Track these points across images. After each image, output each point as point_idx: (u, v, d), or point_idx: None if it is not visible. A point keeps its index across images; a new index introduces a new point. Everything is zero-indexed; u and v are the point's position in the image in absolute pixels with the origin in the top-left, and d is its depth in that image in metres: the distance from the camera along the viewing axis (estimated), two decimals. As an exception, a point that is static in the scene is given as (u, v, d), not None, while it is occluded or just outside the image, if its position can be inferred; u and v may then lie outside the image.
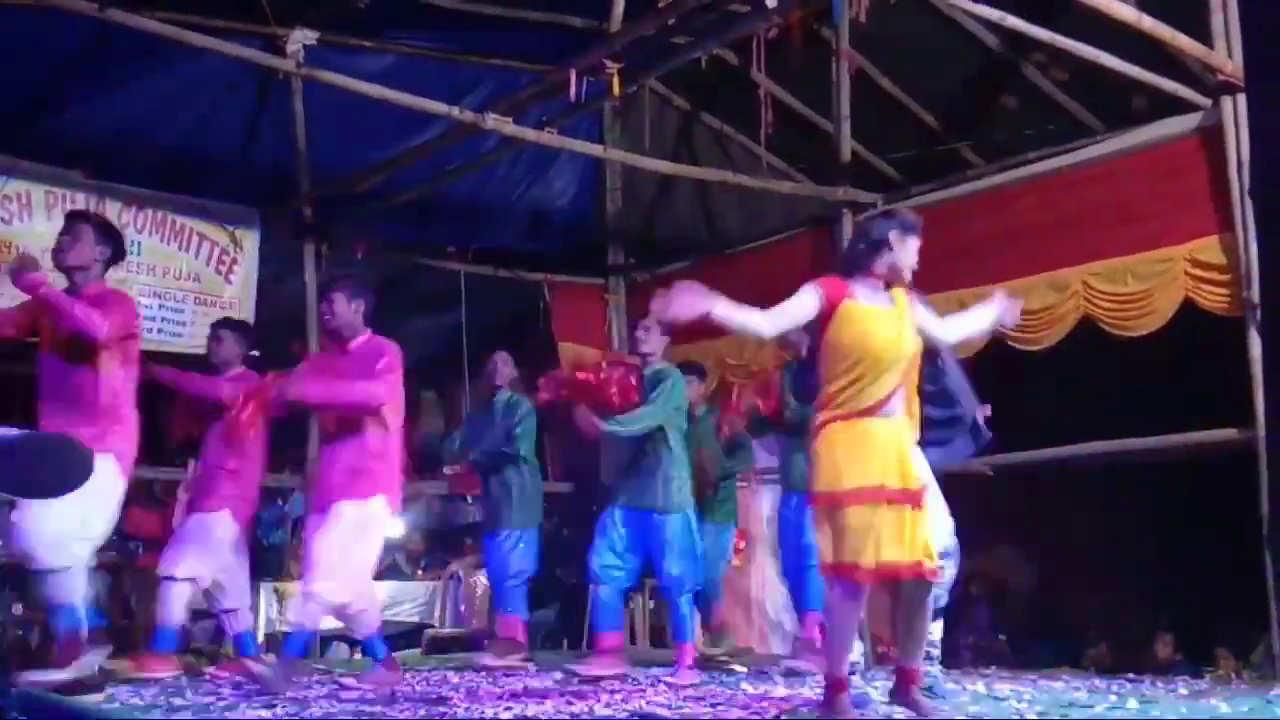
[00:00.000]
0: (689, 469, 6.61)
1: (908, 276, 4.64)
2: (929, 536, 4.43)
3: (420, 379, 9.21)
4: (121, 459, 5.25)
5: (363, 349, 5.83)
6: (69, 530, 5.07)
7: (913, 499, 4.39)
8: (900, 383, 4.51)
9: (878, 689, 5.32)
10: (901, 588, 4.44)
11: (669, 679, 6.19)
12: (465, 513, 11.03)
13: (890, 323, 4.53)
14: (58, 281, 5.37)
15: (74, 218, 5.65)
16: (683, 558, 6.49)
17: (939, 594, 4.77)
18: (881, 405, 4.45)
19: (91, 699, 4.88)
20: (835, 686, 4.45)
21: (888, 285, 4.62)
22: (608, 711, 4.98)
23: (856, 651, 4.85)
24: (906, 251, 4.62)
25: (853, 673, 5.00)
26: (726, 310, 4.40)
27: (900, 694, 4.60)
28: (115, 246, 5.51)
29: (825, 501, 4.41)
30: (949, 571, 4.80)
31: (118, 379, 5.30)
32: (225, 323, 7.01)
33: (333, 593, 5.64)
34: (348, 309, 5.84)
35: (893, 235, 4.60)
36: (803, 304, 4.50)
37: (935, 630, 5.08)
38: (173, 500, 8.06)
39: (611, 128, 10.45)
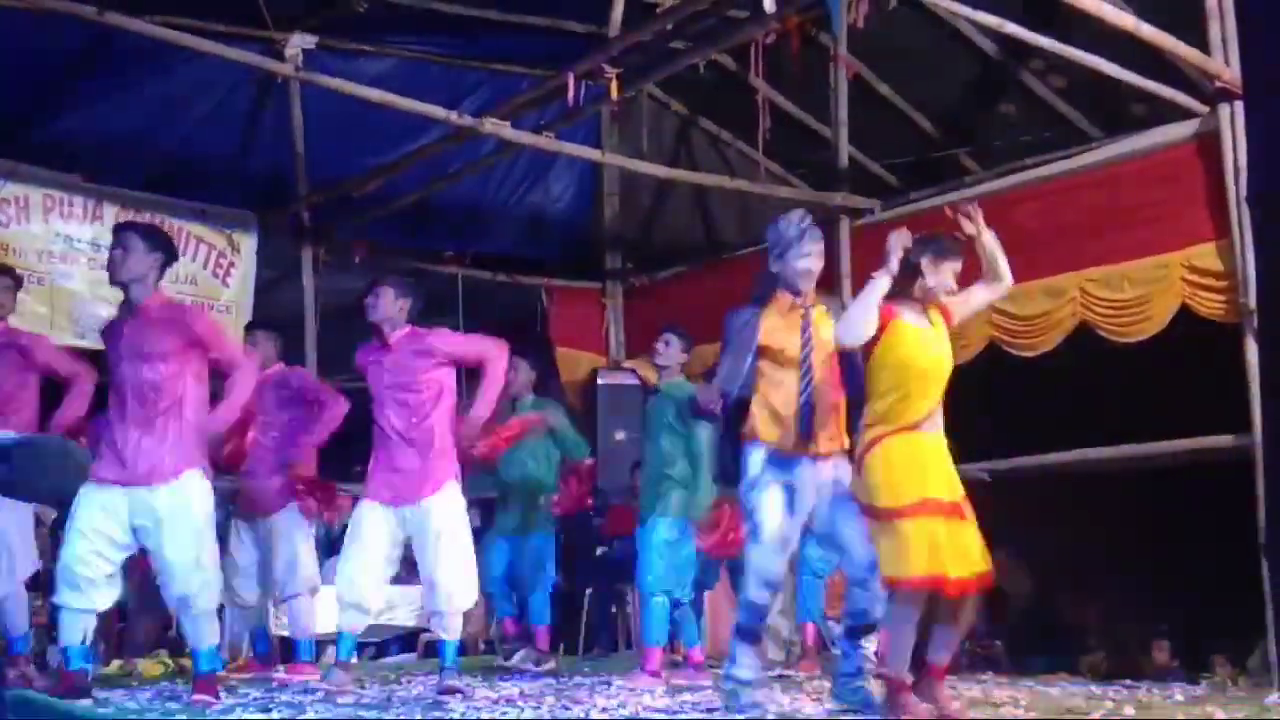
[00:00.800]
0: (685, 475, 6.60)
1: (943, 298, 4.75)
2: (980, 542, 4.62)
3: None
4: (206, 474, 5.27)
5: (404, 342, 5.87)
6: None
7: (960, 511, 4.57)
8: (940, 399, 4.68)
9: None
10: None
11: (623, 681, 6.28)
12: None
13: (934, 342, 4.69)
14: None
15: (122, 230, 5.45)
16: (660, 561, 6.52)
17: (874, 608, 4.84)
18: (925, 420, 4.61)
19: (84, 703, 4.86)
20: (898, 687, 4.58)
21: (924, 305, 4.74)
22: (603, 716, 4.98)
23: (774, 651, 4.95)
24: (940, 276, 4.71)
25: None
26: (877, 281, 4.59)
27: (924, 689, 4.70)
28: (167, 250, 5.28)
29: (886, 515, 4.52)
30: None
31: (201, 393, 5.26)
32: (259, 324, 7.05)
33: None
34: (393, 305, 5.87)
35: (924, 261, 4.69)
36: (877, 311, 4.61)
37: (869, 644, 5.03)
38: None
39: (609, 132, 10.45)
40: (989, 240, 4.85)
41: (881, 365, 4.62)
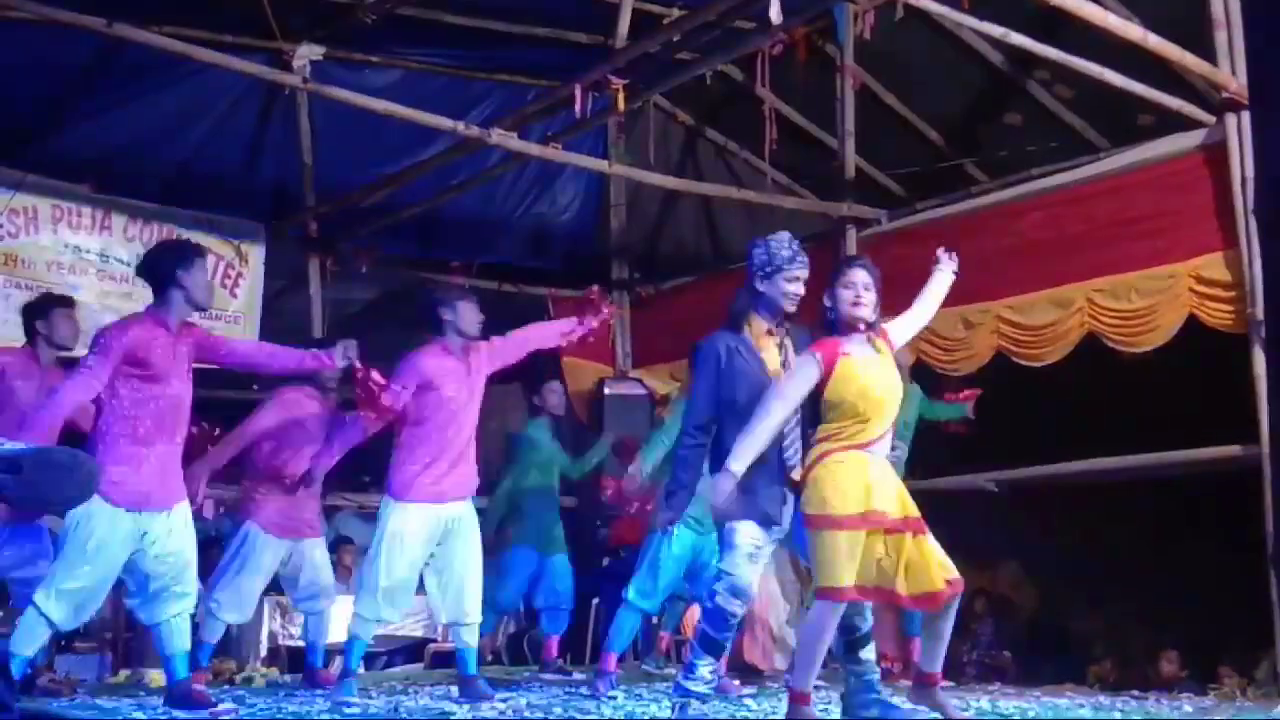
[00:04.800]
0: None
1: (866, 315, 4.73)
2: (941, 554, 4.59)
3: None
4: None
5: (474, 351, 6.07)
6: None
7: (914, 526, 4.58)
8: (891, 423, 4.73)
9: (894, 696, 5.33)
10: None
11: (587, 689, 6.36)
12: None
13: (884, 370, 4.72)
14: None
15: (204, 252, 5.68)
16: (640, 570, 6.56)
17: (858, 621, 4.84)
18: (876, 441, 4.65)
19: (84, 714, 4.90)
20: (799, 698, 4.65)
21: (867, 335, 4.74)
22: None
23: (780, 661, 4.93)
24: (842, 298, 4.73)
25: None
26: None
27: (922, 696, 4.81)
28: None
29: (821, 524, 4.53)
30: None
31: None
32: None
33: None
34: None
35: (828, 297, 4.76)
36: (807, 377, 4.63)
37: (704, 670, 4.89)
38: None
39: (616, 143, 10.47)
40: (947, 283, 5.10)
41: (839, 400, 4.62)
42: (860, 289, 4.71)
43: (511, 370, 6.34)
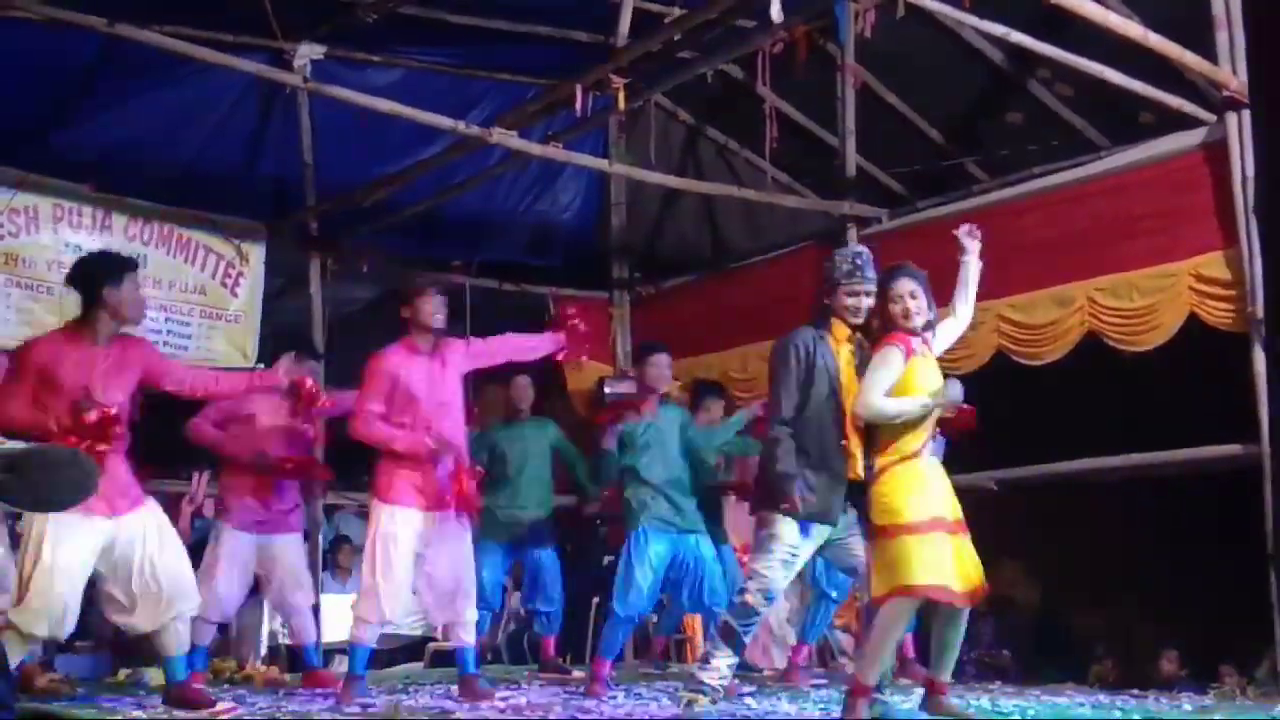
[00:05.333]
0: (645, 487, 6.62)
1: (921, 324, 4.92)
2: (976, 557, 4.81)
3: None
4: None
5: (448, 350, 6.15)
6: None
7: (963, 528, 4.81)
8: (934, 427, 4.91)
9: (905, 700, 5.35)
10: (943, 609, 4.82)
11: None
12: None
13: (933, 372, 4.90)
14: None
15: (135, 266, 5.62)
16: (619, 580, 6.56)
17: (742, 624, 4.92)
18: (923, 449, 4.83)
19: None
20: (860, 690, 4.77)
21: (922, 334, 4.94)
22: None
23: (780, 659, 5.02)
24: (892, 316, 4.90)
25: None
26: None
27: (931, 704, 4.94)
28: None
29: (897, 531, 4.68)
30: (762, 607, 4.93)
31: None
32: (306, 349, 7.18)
33: None
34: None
35: (878, 315, 4.96)
36: (895, 368, 4.80)
37: (720, 663, 4.97)
38: (176, 513, 8.07)
39: (617, 142, 10.46)
40: (977, 266, 5.18)
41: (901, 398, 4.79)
42: (907, 299, 4.83)
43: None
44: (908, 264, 5.04)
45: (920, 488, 4.75)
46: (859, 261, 4.98)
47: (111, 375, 5.20)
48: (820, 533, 4.89)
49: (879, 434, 4.83)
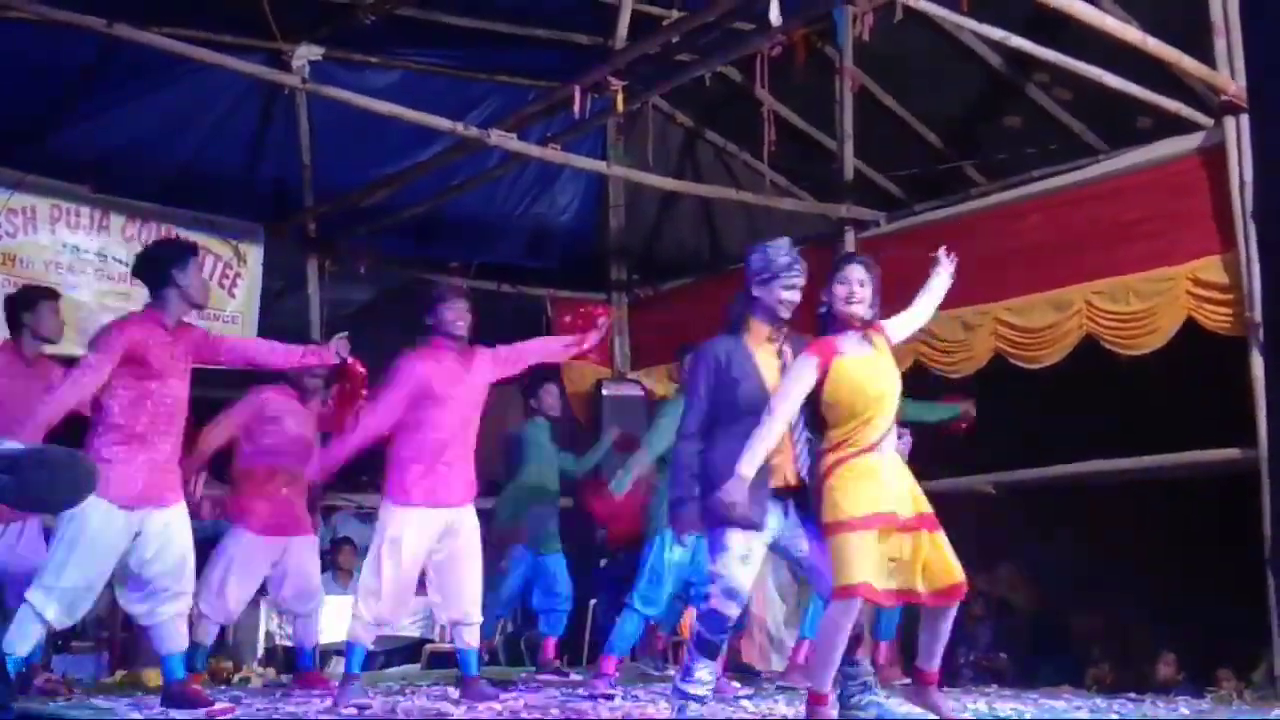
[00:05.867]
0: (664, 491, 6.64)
1: (861, 313, 4.75)
2: (950, 554, 4.66)
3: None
4: None
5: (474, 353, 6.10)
6: None
7: (927, 523, 4.66)
8: (893, 419, 4.76)
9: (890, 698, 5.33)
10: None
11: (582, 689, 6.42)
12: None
13: (877, 369, 4.74)
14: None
15: (198, 251, 5.77)
16: (642, 576, 6.59)
17: (714, 630, 4.85)
18: (882, 440, 4.69)
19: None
20: (818, 700, 4.67)
21: (862, 332, 4.76)
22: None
23: (778, 662, 4.96)
24: (838, 294, 4.76)
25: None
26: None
27: (919, 695, 4.88)
28: None
29: (834, 529, 4.58)
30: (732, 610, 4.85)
31: None
32: None
33: None
34: None
35: (824, 294, 4.79)
36: (805, 379, 4.66)
37: (702, 673, 4.89)
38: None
39: (615, 144, 10.47)
40: (946, 280, 5.15)
41: (835, 401, 4.66)
42: (854, 284, 4.72)
43: None
44: (864, 255, 5.07)
45: (869, 482, 4.61)
46: (795, 254, 4.87)
47: (180, 360, 5.32)
48: (767, 532, 4.81)
49: (831, 429, 4.69)
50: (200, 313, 8.60)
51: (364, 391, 5.97)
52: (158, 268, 5.35)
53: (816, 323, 4.85)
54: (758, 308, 4.86)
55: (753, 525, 4.70)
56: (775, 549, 4.93)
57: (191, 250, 5.59)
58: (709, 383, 4.82)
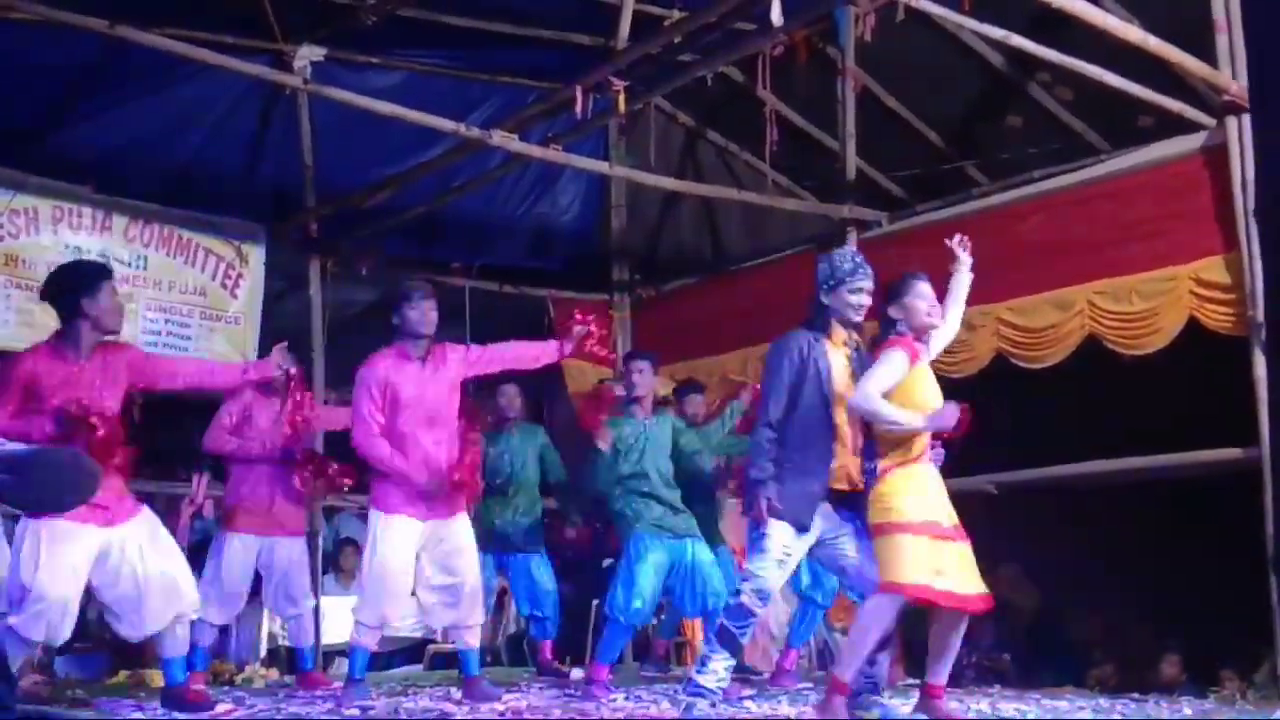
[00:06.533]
0: (640, 494, 6.64)
1: (935, 324, 5.05)
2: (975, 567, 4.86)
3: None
4: None
5: (444, 356, 6.07)
6: None
7: (960, 535, 4.86)
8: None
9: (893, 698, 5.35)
10: (942, 613, 4.86)
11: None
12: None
13: (931, 380, 4.99)
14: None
15: (110, 274, 5.54)
16: (616, 586, 6.58)
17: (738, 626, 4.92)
18: (925, 452, 4.90)
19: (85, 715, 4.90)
20: (838, 688, 4.81)
21: (924, 342, 5.02)
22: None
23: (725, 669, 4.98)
24: (918, 307, 4.99)
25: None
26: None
27: (927, 709, 4.97)
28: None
29: (892, 530, 4.76)
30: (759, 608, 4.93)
31: None
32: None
33: None
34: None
35: (905, 302, 4.99)
36: (899, 372, 4.84)
37: (718, 665, 4.94)
38: (174, 515, 8.06)
39: (617, 145, 10.46)
40: (968, 278, 5.28)
41: (903, 404, 4.83)
42: (932, 300, 4.91)
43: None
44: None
45: (920, 490, 4.83)
46: (859, 260, 5.02)
47: (100, 387, 5.16)
48: (810, 534, 4.88)
49: (884, 438, 4.87)
50: (203, 314, 8.72)
51: (302, 400, 6.02)
52: (66, 297, 5.16)
53: (881, 337, 5.01)
54: (831, 313, 4.98)
55: (801, 526, 4.79)
56: (814, 553, 4.99)
57: (104, 275, 5.29)
58: (790, 373, 4.91)
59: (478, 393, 7.45)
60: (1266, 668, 7.08)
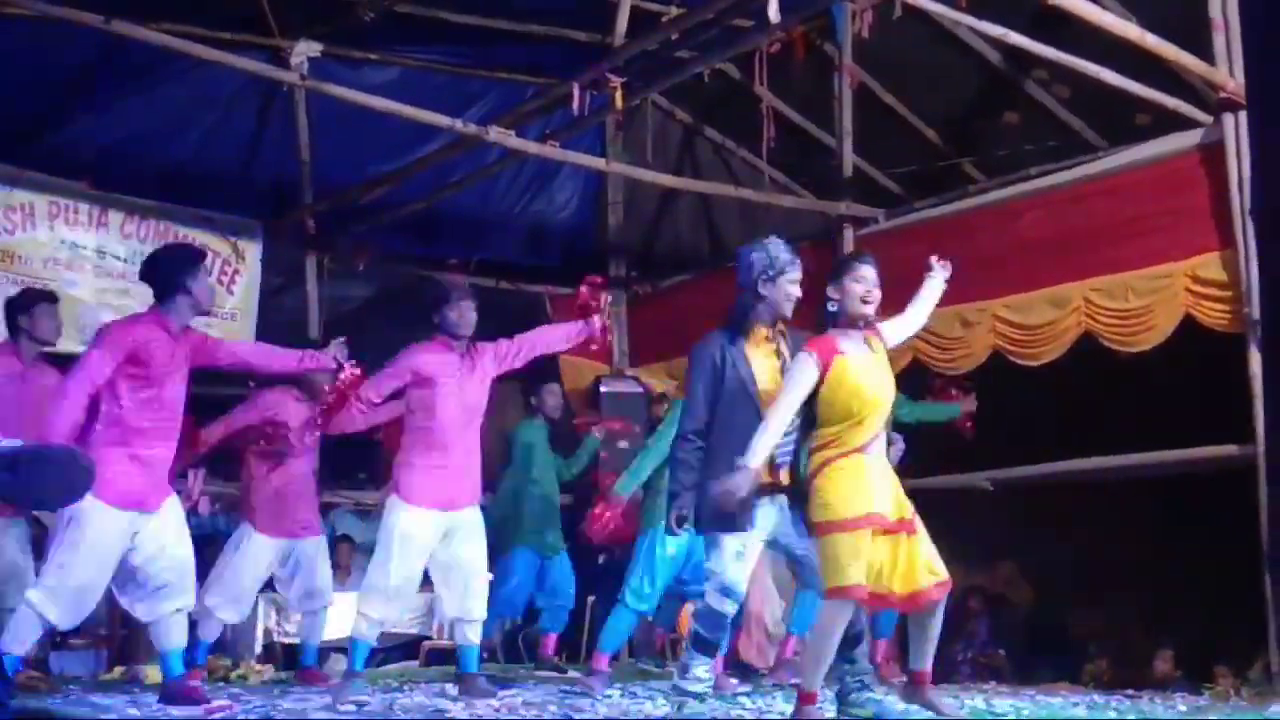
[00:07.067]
0: (654, 486, 6.66)
1: (869, 311, 4.77)
2: (931, 555, 4.66)
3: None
4: None
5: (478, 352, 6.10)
6: None
7: (907, 527, 4.66)
8: (883, 422, 4.75)
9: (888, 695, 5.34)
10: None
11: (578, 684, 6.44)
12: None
13: (875, 371, 4.74)
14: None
15: (206, 256, 5.77)
16: (634, 572, 6.60)
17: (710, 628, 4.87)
18: (871, 442, 4.68)
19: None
20: (807, 699, 4.67)
21: (862, 334, 4.77)
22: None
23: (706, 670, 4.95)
24: (849, 293, 4.74)
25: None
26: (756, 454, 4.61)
27: (915, 696, 4.86)
28: None
29: (827, 529, 4.59)
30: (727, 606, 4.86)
31: None
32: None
33: None
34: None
35: (835, 288, 4.76)
36: (807, 377, 4.65)
37: (700, 670, 4.91)
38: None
39: (614, 141, 10.46)
40: (940, 287, 5.17)
41: (832, 400, 4.66)
42: (871, 285, 4.75)
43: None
44: (870, 255, 5.02)
45: (859, 483, 4.61)
46: (793, 250, 4.93)
47: (181, 364, 5.31)
48: (760, 530, 4.82)
49: (822, 428, 4.70)
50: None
51: (357, 397, 6.00)
52: (169, 274, 5.33)
53: (818, 319, 4.85)
54: (762, 305, 4.88)
55: (737, 528, 4.72)
56: (774, 546, 4.94)
57: (202, 257, 5.60)
58: (706, 381, 4.84)
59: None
60: (1260, 664, 7.09)
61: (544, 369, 8.59)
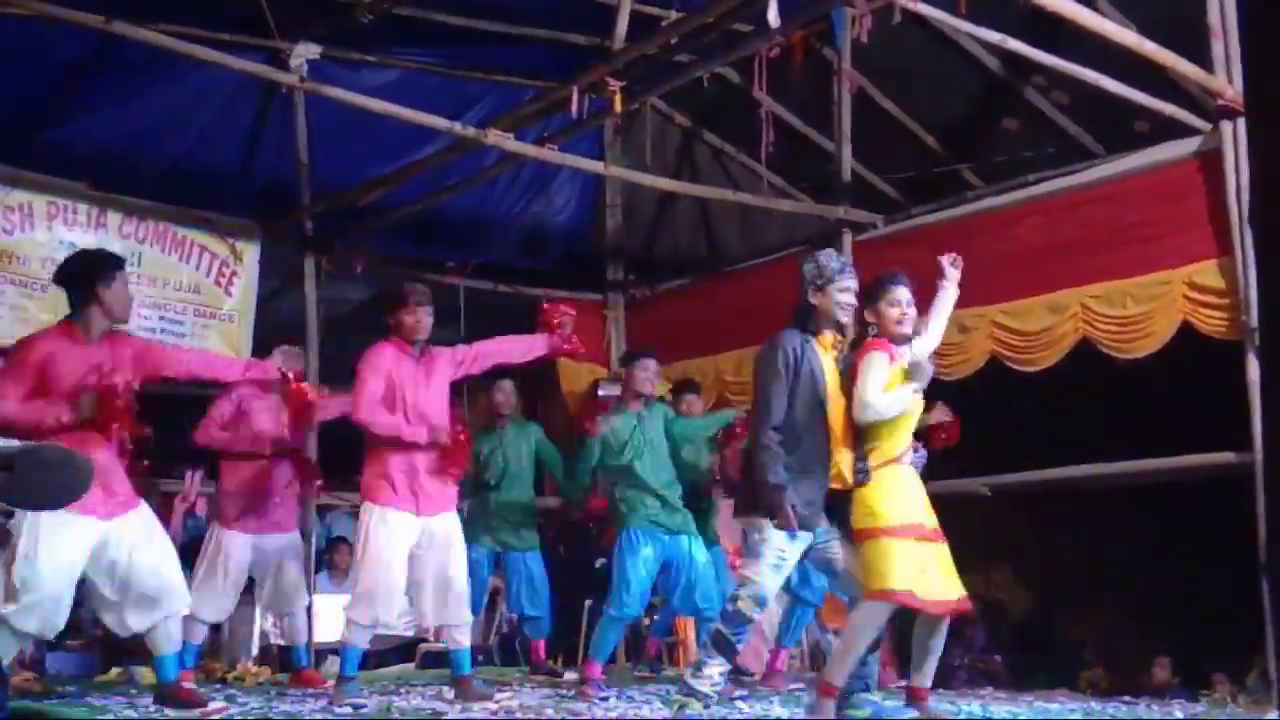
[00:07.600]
0: (635, 488, 6.65)
1: (907, 331, 5.01)
2: (953, 569, 4.89)
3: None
4: None
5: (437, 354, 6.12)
6: None
7: (940, 536, 4.88)
8: (911, 435, 5.00)
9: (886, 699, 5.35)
10: (926, 616, 4.90)
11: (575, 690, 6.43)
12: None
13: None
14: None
15: (123, 264, 5.63)
16: (613, 582, 6.60)
17: (735, 631, 4.93)
18: (904, 454, 4.90)
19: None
20: (827, 691, 4.81)
21: (901, 346, 5.00)
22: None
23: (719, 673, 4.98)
24: (890, 311, 4.98)
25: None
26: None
27: (915, 710, 5.01)
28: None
29: (876, 534, 4.77)
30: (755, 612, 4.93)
31: None
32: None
33: None
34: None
35: (870, 313, 5.02)
36: (884, 373, 4.84)
37: (713, 670, 4.95)
38: (169, 512, 8.06)
39: (612, 144, 10.47)
40: (954, 295, 5.26)
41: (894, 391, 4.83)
42: (905, 306, 4.88)
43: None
44: (903, 274, 5.08)
45: (901, 492, 4.83)
46: (845, 260, 5.06)
47: (109, 371, 5.20)
48: (805, 537, 4.88)
49: (867, 438, 4.87)
50: (198, 311, 8.70)
51: (304, 402, 6.02)
52: (82, 281, 5.20)
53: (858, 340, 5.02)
54: (818, 313, 4.96)
55: (807, 525, 4.79)
56: (808, 555, 4.98)
57: (118, 265, 5.39)
58: (786, 373, 4.89)
59: (471, 391, 7.46)
60: (1257, 671, 7.10)
61: (542, 373, 8.62)
